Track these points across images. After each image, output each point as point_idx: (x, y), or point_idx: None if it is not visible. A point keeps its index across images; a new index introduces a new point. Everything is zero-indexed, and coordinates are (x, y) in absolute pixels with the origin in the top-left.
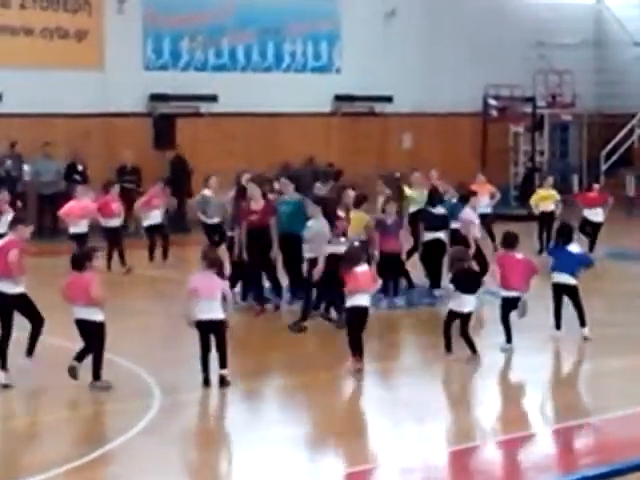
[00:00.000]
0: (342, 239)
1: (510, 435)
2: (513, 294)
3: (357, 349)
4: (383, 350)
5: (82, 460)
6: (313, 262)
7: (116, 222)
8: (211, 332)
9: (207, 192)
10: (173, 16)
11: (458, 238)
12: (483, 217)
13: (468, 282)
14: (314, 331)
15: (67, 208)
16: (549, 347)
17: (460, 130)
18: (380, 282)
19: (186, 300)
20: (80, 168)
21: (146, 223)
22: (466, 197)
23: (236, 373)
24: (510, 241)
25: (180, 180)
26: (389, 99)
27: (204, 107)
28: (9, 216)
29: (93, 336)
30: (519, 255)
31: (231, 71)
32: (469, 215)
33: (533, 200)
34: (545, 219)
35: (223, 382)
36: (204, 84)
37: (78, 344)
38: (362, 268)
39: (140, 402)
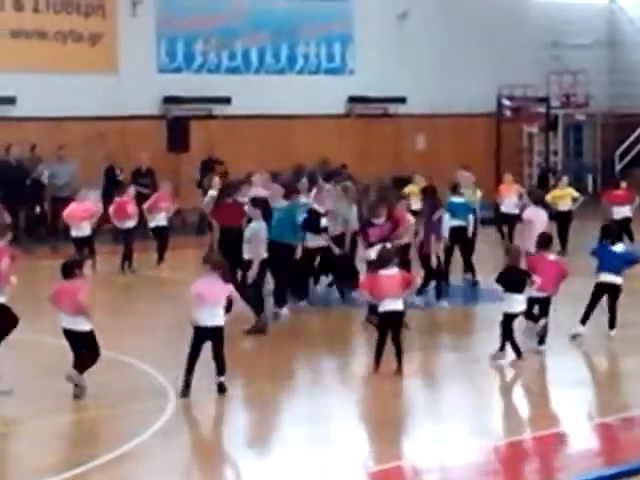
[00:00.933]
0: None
1: (539, 433)
2: (541, 294)
3: (381, 355)
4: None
5: (97, 461)
6: (249, 264)
7: (131, 224)
8: (210, 339)
9: (213, 192)
10: (186, 19)
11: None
12: (510, 217)
13: (515, 281)
14: (312, 331)
15: (69, 210)
16: (574, 347)
17: (474, 131)
18: (417, 284)
19: (190, 306)
20: (118, 171)
21: (152, 224)
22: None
23: (249, 375)
24: (545, 242)
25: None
26: (403, 100)
27: (218, 109)
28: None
29: (83, 347)
30: (552, 256)
31: (244, 73)
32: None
33: (549, 199)
34: (561, 218)
35: (221, 389)
36: (218, 86)
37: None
38: (389, 272)
39: (154, 404)
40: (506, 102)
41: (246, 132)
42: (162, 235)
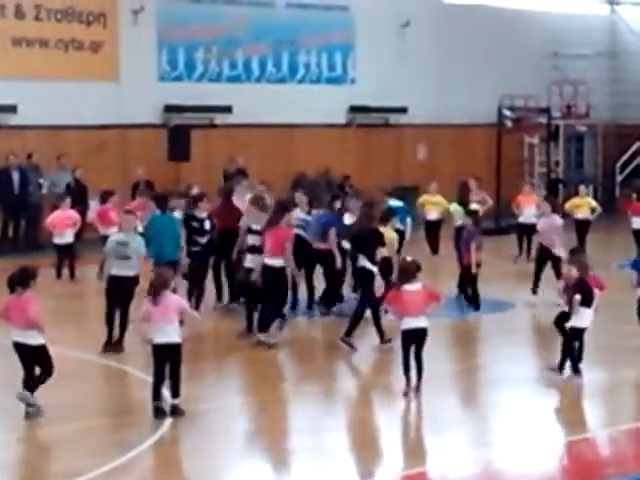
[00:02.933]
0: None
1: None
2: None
3: (409, 375)
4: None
5: (100, 470)
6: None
7: (114, 231)
8: (165, 357)
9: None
10: (188, 27)
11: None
12: (530, 227)
13: (589, 294)
14: (318, 340)
15: (52, 218)
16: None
17: (475, 141)
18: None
19: (141, 324)
20: (142, 185)
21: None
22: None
23: (252, 384)
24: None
25: None
26: (404, 110)
27: (219, 118)
28: None
29: (35, 362)
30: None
31: (245, 82)
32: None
33: (568, 207)
34: (579, 227)
35: (175, 412)
36: (219, 95)
37: (96, 357)
38: (412, 287)
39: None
40: (507, 112)
41: (247, 141)
42: None
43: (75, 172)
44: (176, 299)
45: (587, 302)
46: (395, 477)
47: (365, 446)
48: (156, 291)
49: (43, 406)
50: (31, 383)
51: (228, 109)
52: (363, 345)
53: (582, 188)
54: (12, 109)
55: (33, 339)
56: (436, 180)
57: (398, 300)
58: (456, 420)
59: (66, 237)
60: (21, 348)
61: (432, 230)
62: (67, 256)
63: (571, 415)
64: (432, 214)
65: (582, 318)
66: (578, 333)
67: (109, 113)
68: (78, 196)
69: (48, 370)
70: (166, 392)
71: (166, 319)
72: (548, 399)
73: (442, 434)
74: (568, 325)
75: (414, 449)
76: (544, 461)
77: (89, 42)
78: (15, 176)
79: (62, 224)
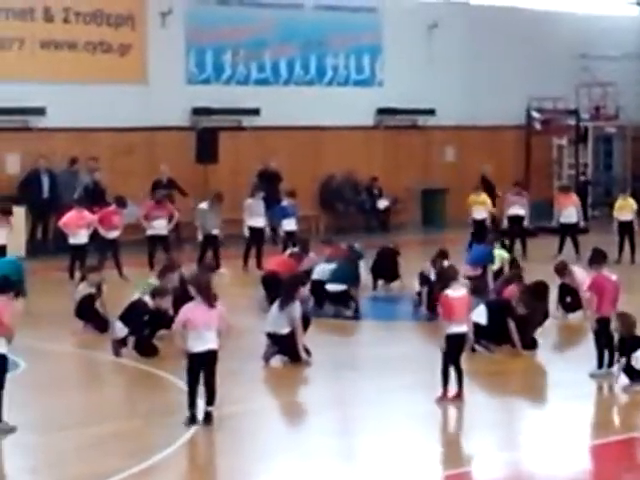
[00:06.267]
0: None
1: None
2: (606, 316)
3: (447, 381)
4: None
5: (128, 472)
6: None
7: (116, 234)
8: (202, 365)
9: (204, 205)
10: (216, 30)
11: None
12: (568, 227)
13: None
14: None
15: (66, 218)
16: None
17: (503, 143)
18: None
19: (179, 332)
20: (165, 181)
21: (149, 233)
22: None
23: (281, 385)
24: (599, 258)
25: (269, 190)
26: (432, 112)
27: (246, 121)
28: (3, 229)
29: None
30: (613, 276)
31: (273, 85)
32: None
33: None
34: (624, 229)
35: (208, 419)
36: (246, 98)
37: (125, 359)
38: (459, 293)
39: (183, 415)
40: (536, 114)
41: (275, 143)
42: (163, 243)
43: (94, 174)
44: (218, 306)
45: None
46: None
47: (395, 449)
48: (210, 294)
49: (74, 408)
50: None
51: (256, 111)
52: (392, 347)
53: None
54: (41, 112)
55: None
56: (465, 182)
57: (447, 305)
58: (484, 423)
59: (79, 238)
60: None
61: (479, 228)
62: (80, 257)
63: (602, 418)
64: (478, 214)
65: None
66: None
67: (137, 116)
68: (96, 198)
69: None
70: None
71: (207, 326)
72: (579, 402)
73: (473, 436)
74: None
75: (445, 452)
76: (574, 464)
77: (117, 45)
78: (45, 179)
79: (75, 225)
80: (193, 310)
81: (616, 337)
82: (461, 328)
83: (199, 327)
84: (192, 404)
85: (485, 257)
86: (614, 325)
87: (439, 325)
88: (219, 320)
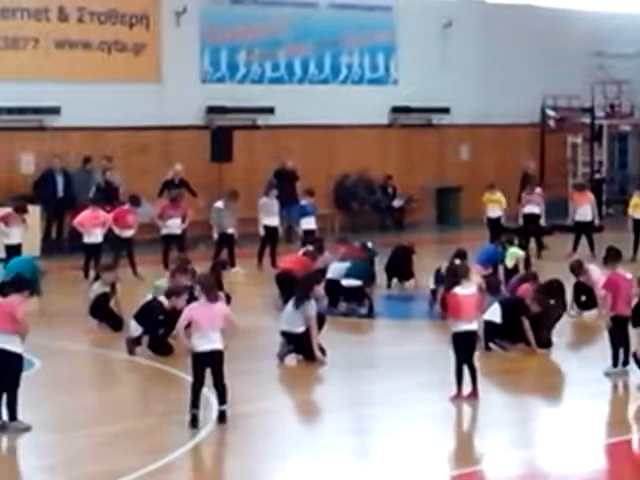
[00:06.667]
0: None
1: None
2: (621, 314)
3: (461, 380)
4: None
5: (144, 471)
6: None
7: (130, 233)
8: (208, 365)
9: (219, 204)
10: (230, 29)
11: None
12: (583, 225)
13: None
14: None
15: (80, 217)
16: None
17: (518, 141)
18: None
19: (182, 331)
20: (177, 181)
21: (163, 232)
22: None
23: (294, 385)
24: (614, 257)
25: (286, 189)
26: (446, 110)
27: (261, 119)
28: (18, 228)
29: (8, 370)
30: (628, 275)
31: (288, 83)
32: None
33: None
34: (638, 226)
35: (222, 419)
36: (261, 97)
37: (139, 358)
38: (468, 291)
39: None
40: (550, 112)
41: (289, 142)
42: (177, 243)
43: (105, 174)
44: (223, 306)
45: None
46: (442, 478)
47: (410, 448)
48: (212, 291)
49: (89, 407)
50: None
51: (270, 110)
52: (407, 346)
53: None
54: (56, 111)
55: (15, 346)
56: (479, 181)
57: (454, 302)
58: (499, 421)
59: (94, 237)
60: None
61: (494, 226)
62: (95, 256)
63: (617, 416)
64: (493, 212)
65: None
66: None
67: (152, 115)
68: (107, 197)
69: (16, 384)
70: (212, 398)
71: (211, 326)
72: (594, 400)
73: (488, 435)
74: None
75: (460, 450)
76: (589, 462)
77: (132, 44)
78: (59, 178)
79: (90, 224)
80: (197, 310)
81: None
82: (470, 326)
83: (204, 327)
84: (194, 405)
85: (494, 256)
86: None
87: (449, 323)
88: (224, 320)
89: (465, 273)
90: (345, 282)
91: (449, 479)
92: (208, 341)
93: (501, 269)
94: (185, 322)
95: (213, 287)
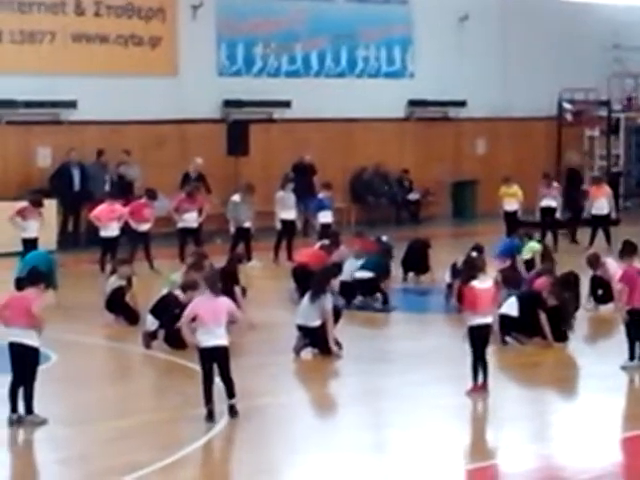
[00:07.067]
0: None
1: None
2: (638, 308)
3: (477, 373)
4: None
5: (159, 464)
6: None
7: (146, 227)
8: (214, 360)
9: (236, 197)
10: (247, 22)
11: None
12: (600, 219)
13: None
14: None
15: (97, 211)
16: None
17: (535, 134)
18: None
19: (187, 327)
20: (195, 175)
21: (180, 225)
22: None
23: (311, 378)
24: (630, 250)
25: (303, 182)
26: (463, 104)
27: (277, 113)
28: (35, 222)
29: (25, 363)
30: None
31: (304, 77)
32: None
33: None
34: None
35: (233, 412)
36: (277, 90)
37: (153, 351)
38: (485, 285)
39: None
40: (567, 106)
41: (306, 136)
42: (194, 236)
43: (119, 168)
44: (226, 301)
45: None
46: (457, 472)
47: (426, 441)
48: (215, 285)
49: (105, 400)
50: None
51: (287, 104)
52: (423, 340)
53: None
54: (72, 105)
55: (32, 340)
56: (496, 174)
57: (472, 296)
58: (515, 415)
59: (110, 230)
60: (18, 348)
61: (510, 220)
62: (111, 249)
63: (634, 410)
64: (510, 205)
65: None
66: None
67: (168, 108)
68: (122, 191)
69: (32, 378)
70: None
71: (215, 321)
72: (611, 394)
73: (504, 429)
74: None
75: (475, 444)
76: (605, 457)
77: (148, 38)
78: (75, 172)
79: (106, 217)
80: (201, 304)
81: None
82: (486, 319)
83: (208, 323)
84: (208, 400)
85: (512, 249)
86: None
87: (464, 317)
88: (228, 315)
89: (482, 266)
90: (358, 274)
91: (464, 473)
92: (213, 336)
93: (520, 262)
94: (189, 317)
95: (217, 281)
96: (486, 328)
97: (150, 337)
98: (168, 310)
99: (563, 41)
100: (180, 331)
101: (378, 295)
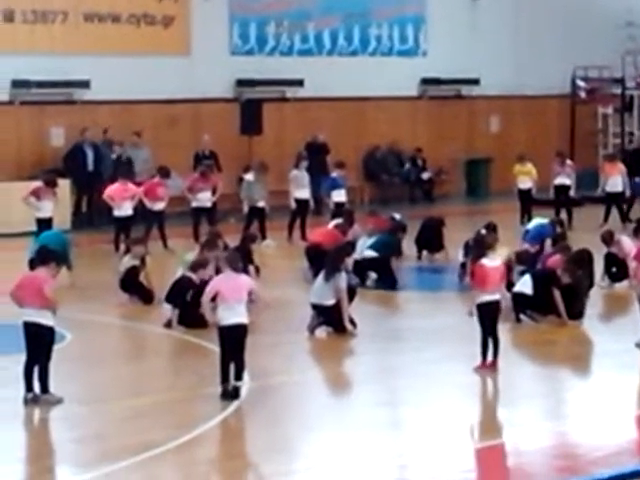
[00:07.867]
0: None
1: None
2: None
3: (487, 350)
4: None
5: (174, 443)
6: None
7: (161, 206)
8: (231, 338)
9: (249, 176)
10: (259, 1)
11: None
12: (614, 196)
13: None
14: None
15: (111, 190)
16: None
17: (548, 112)
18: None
19: (207, 304)
20: (206, 152)
21: (194, 205)
22: None
23: (327, 356)
24: None
25: (317, 162)
26: (476, 82)
27: (290, 92)
28: (49, 202)
29: (40, 343)
30: None
31: (317, 55)
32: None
33: None
34: None
35: (235, 394)
36: (290, 69)
37: (169, 330)
38: (495, 263)
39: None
40: (581, 83)
41: (318, 114)
42: (208, 216)
43: (119, 148)
44: (247, 279)
45: None
46: (469, 450)
47: (440, 419)
48: (235, 262)
49: (120, 379)
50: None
51: (300, 83)
52: (437, 318)
53: None
54: (85, 84)
55: (46, 319)
56: (509, 152)
57: (483, 275)
58: (530, 393)
59: (124, 210)
60: (32, 328)
61: (524, 198)
62: (125, 229)
63: None
64: (524, 183)
65: None
66: None
67: (181, 88)
68: (127, 171)
69: (48, 357)
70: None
71: (236, 298)
72: (625, 372)
73: (518, 406)
74: None
75: (490, 421)
76: (620, 434)
77: (161, 17)
78: (89, 152)
79: (120, 197)
80: (223, 282)
81: None
82: (494, 296)
83: (229, 299)
84: (224, 379)
85: (543, 234)
86: None
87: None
88: (248, 292)
89: (492, 244)
90: (366, 253)
91: (479, 450)
92: (234, 313)
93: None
94: (211, 294)
95: (237, 258)
96: (495, 304)
97: (169, 325)
98: (181, 294)
99: (576, 19)
100: (195, 310)
101: (371, 273)
